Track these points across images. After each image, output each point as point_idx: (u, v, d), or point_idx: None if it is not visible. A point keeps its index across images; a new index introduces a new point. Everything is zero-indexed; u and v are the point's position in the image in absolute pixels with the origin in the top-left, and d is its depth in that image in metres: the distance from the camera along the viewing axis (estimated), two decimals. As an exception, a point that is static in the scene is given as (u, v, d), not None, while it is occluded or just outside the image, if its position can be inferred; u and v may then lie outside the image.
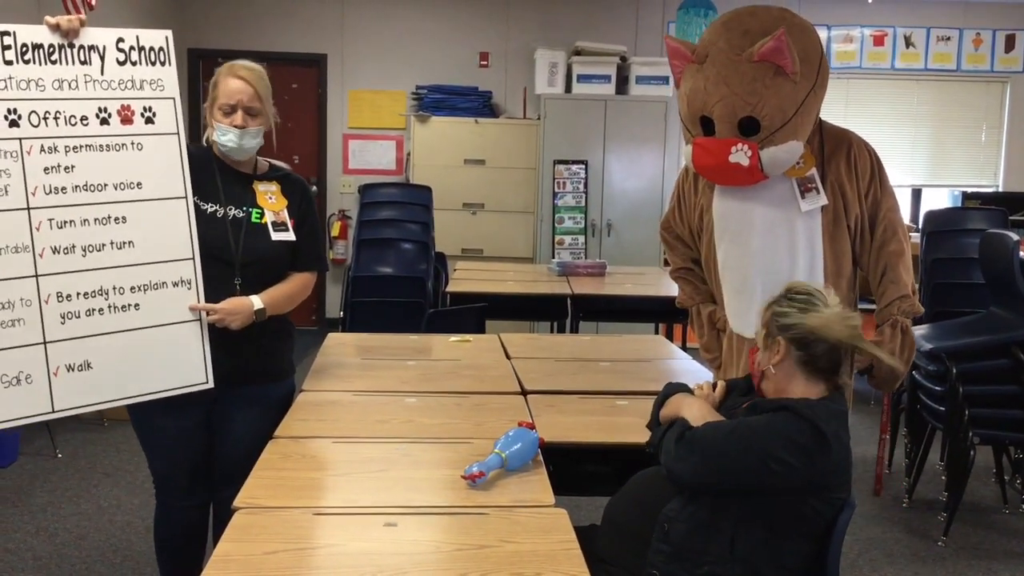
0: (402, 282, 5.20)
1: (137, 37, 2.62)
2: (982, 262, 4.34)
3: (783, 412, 2.14)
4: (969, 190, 7.85)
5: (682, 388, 2.45)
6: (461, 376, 3.24)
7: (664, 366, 3.52)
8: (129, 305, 2.62)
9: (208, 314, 2.70)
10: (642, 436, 2.59)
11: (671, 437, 2.20)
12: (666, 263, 3.51)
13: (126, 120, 2.61)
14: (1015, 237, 4.04)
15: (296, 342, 3.07)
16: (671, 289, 5.62)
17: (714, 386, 2.47)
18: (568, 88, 7.52)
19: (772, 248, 3.00)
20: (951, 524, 4.06)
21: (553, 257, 7.17)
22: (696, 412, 2.28)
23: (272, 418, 2.84)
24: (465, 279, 5.53)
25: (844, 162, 2.94)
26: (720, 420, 2.24)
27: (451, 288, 5.19)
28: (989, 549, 4.01)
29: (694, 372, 3.39)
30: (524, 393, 3.03)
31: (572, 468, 2.69)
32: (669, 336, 6.30)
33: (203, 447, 2.90)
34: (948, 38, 8.03)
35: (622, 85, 7.54)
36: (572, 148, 7.44)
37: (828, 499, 2.14)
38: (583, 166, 7.41)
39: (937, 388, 4.10)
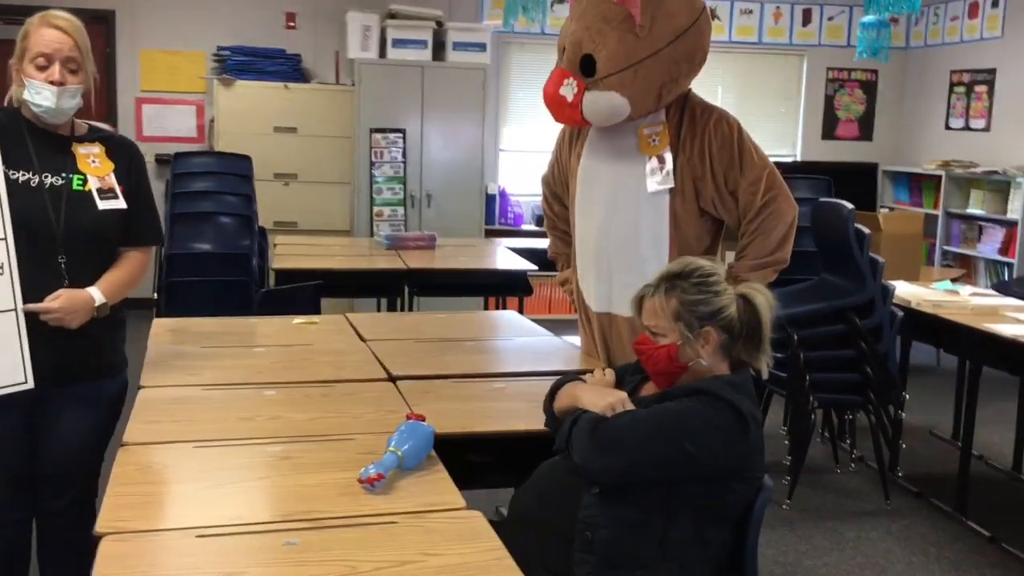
0: (224, 259, 4.81)
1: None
2: (815, 230, 4.44)
3: (699, 396, 2.04)
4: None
5: (569, 378, 2.31)
6: (319, 363, 2.97)
7: (529, 344, 3.37)
8: (-68, 294, 2.22)
9: (32, 312, 2.35)
10: (531, 420, 2.45)
11: (582, 432, 2.05)
12: (539, 221, 3.37)
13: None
14: (850, 206, 4.16)
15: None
16: (502, 261, 5.53)
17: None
18: (383, 53, 7.22)
19: (619, 227, 2.95)
20: (795, 487, 4.16)
21: (372, 230, 6.91)
22: (595, 397, 2.13)
23: (104, 418, 2.55)
24: (289, 255, 5.18)
25: (699, 144, 2.87)
26: (628, 408, 2.10)
27: (277, 265, 4.84)
28: (832, 510, 4.14)
29: (559, 348, 3.27)
30: (392, 380, 2.80)
31: (452, 459, 2.50)
32: (495, 308, 6.19)
33: (24, 454, 2.54)
34: (750, 11, 8.28)
35: (439, 51, 7.31)
36: (389, 116, 7.16)
37: (749, 480, 2.06)
38: (401, 135, 7.15)
39: (778, 355, 4.18)
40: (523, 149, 7.99)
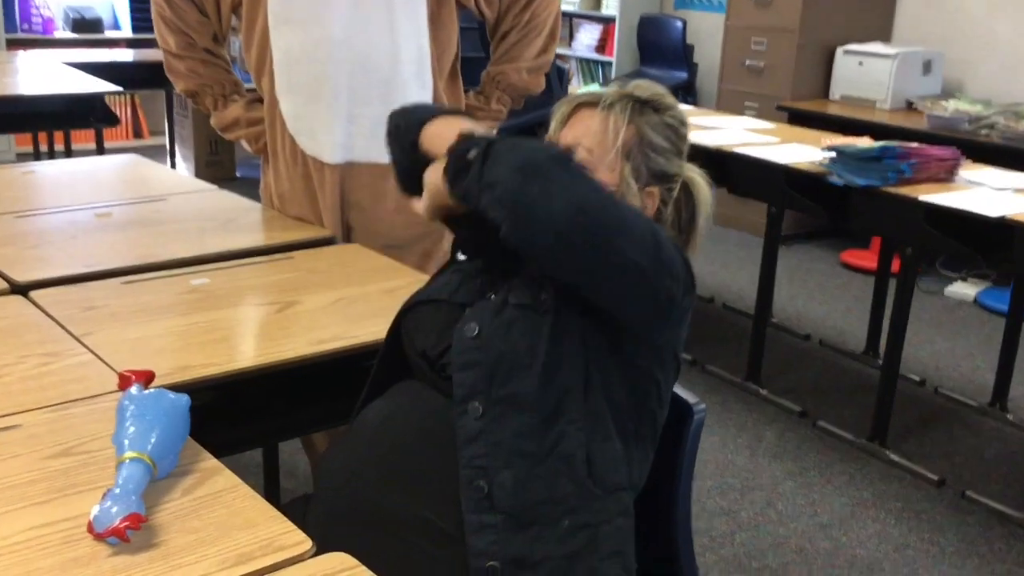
0: None
1: None
2: (482, 33, 3.76)
3: None
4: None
5: (449, 110, 1.51)
6: None
7: (199, 204, 2.33)
8: None
9: None
10: (284, 340, 1.60)
11: (543, 157, 1.19)
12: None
13: None
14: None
15: None
16: (60, 81, 4.15)
17: None
18: None
19: (367, 39, 2.07)
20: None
21: None
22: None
23: None
24: None
25: None
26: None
27: None
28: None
29: (248, 209, 2.32)
30: (22, 290, 1.73)
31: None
32: (47, 148, 4.82)
33: None
34: None
35: None
36: None
37: (672, 367, 1.38)
38: None
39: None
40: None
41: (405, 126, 1.41)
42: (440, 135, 1.34)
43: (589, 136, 1.39)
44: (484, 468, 1.24)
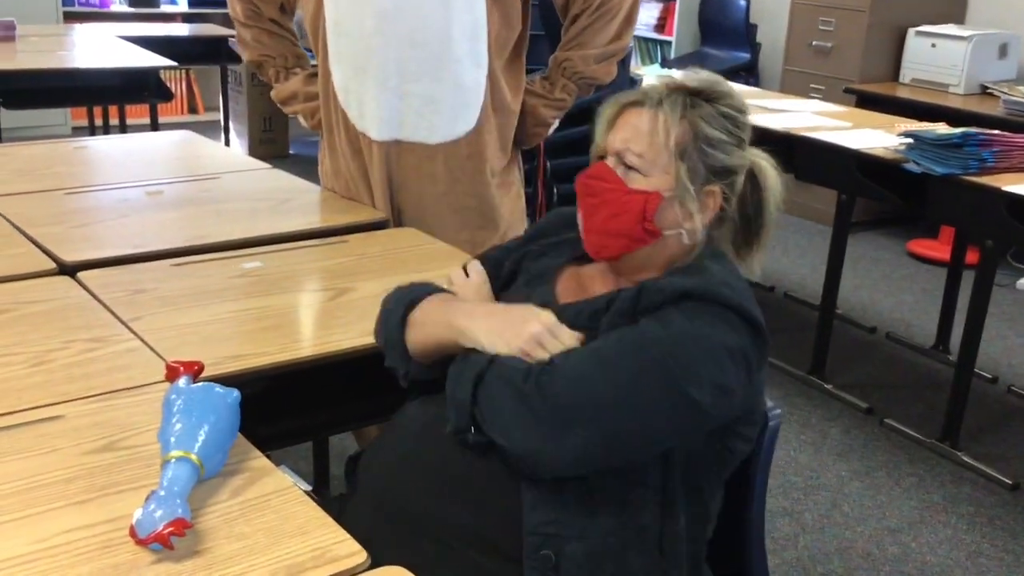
0: None
1: None
2: (545, 10, 3.66)
3: (691, 304, 1.19)
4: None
5: (423, 291, 1.36)
6: (-85, 250, 1.74)
7: (253, 184, 2.27)
8: None
9: None
10: (339, 328, 1.52)
11: (510, 401, 1.13)
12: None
13: None
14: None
15: None
16: (117, 55, 4.12)
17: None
18: None
19: (414, 5, 1.95)
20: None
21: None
22: (499, 327, 1.21)
23: None
24: None
25: None
26: (562, 338, 1.19)
27: None
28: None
29: (304, 189, 2.24)
30: (69, 271, 1.68)
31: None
32: (102, 122, 4.81)
33: None
34: None
35: None
36: None
37: (758, 416, 1.31)
38: None
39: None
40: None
41: (389, 342, 1.34)
42: (426, 322, 1.31)
43: (638, 139, 1.27)
44: (555, 536, 1.16)
